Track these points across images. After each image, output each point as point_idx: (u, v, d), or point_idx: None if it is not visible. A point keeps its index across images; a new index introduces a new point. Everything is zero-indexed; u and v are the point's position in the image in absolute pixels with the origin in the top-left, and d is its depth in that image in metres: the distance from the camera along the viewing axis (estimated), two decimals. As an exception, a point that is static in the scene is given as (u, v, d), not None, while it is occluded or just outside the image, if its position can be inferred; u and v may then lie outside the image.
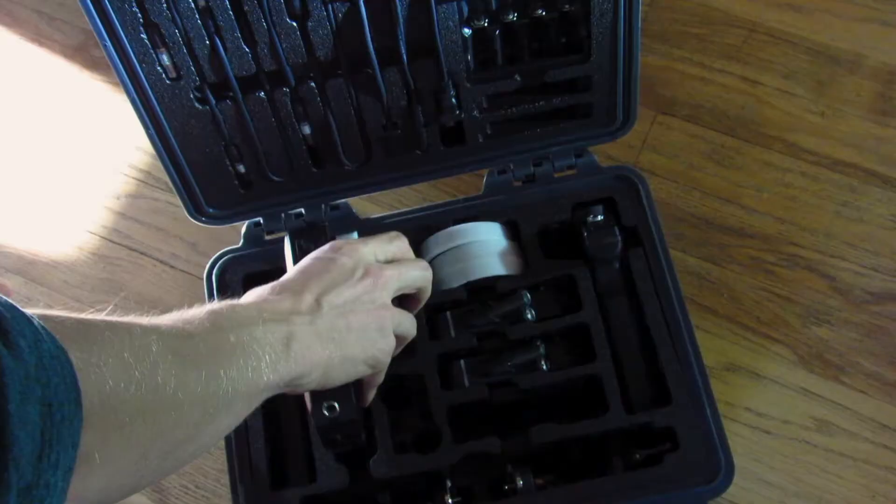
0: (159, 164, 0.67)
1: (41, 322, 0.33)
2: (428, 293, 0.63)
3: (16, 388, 0.29)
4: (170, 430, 0.39)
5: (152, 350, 0.38)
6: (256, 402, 0.46)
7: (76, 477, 0.32)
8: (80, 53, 1.02)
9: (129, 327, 0.39)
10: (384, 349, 0.56)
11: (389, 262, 0.60)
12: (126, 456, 0.37)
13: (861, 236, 0.82)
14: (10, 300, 0.32)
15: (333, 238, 0.62)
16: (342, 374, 0.53)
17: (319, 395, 0.57)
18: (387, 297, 0.57)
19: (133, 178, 0.95)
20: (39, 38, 1.03)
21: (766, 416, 0.76)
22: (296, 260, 0.62)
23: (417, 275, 0.61)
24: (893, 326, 0.78)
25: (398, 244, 0.61)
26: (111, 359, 0.35)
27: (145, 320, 0.42)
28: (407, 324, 0.60)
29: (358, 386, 0.59)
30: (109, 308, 0.87)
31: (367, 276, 0.55)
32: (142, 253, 0.91)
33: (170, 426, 0.39)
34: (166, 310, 0.86)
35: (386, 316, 0.56)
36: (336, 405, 0.58)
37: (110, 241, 0.92)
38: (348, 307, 0.53)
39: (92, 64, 1.01)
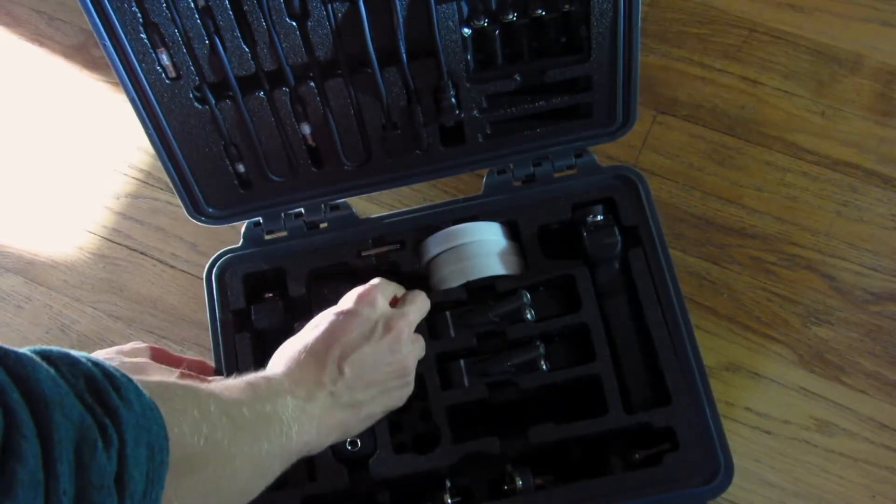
0: (159, 163, 0.67)
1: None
2: None
3: (131, 434, 0.35)
4: (227, 483, 0.44)
5: (211, 411, 0.43)
6: (286, 465, 0.50)
7: None
8: (80, 53, 1.02)
9: (194, 390, 0.44)
10: (403, 396, 0.60)
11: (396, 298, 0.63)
12: (194, 502, 0.42)
13: (861, 236, 0.81)
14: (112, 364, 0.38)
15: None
16: (360, 429, 0.57)
17: None
18: (408, 346, 0.59)
19: (133, 178, 0.95)
20: (39, 38, 1.03)
21: (766, 416, 0.76)
22: None
23: (426, 308, 0.64)
24: (893, 326, 0.78)
25: (395, 284, 0.64)
26: (186, 415, 0.41)
27: (201, 385, 0.47)
28: (421, 353, 0.63)
29: None
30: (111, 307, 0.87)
31: (389, 331, 0.58)
32: (142, 253, 0.91)
33: (227, 479, 0.44)
34: (166, 309, 0.87)
35: (408, 365, 0.59)
36: (358, 441, 0.62)
37: (110, 241, 0.92)
38: (369, 367, 0.56)
39: (92, 64, 1.01)
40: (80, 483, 0.32)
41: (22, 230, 0.94)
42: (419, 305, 0.62)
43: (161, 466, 0.36)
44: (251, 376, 0.52)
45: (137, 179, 0.95)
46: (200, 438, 0.41)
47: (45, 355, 0.35)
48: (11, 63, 1.03)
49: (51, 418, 0.31)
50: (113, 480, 0.33)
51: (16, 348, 0.34)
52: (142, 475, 0.35)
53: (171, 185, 0.68)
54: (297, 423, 0.50)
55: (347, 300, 0.60)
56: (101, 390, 0.35)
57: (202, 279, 0.70)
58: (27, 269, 0.92)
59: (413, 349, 0.60)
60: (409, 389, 0.60)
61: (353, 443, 0.62)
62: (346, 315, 0.58)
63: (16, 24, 1.04)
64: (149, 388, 0.38)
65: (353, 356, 0.55)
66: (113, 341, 0.87)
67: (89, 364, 0.36)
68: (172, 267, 0.90)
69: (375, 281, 0.62)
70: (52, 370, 0.34)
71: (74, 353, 0.36)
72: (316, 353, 0.55)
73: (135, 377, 0.39)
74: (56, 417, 0.32)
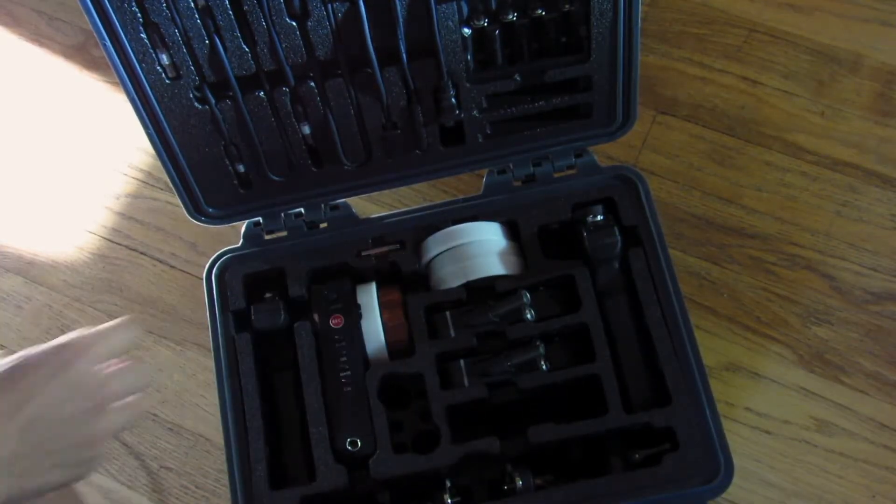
0: (159, 163, 0.67)
1: None
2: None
3: None
4: None
5: None
6: None
7: None
8: (80, 53, 1.02)
9: None
10: (66, 477, 0.49)
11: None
12: None
13: (861, 236, 0.81)
14: None
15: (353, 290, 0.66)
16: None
17: (341, 430, 0.61)
18: (100, 424, 0.49)
19: (133, 177, 0.95)
20: (39, 38, 1.03)
21: (766, 416, 0.76)
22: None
23: (139, 384, 0.53)
24: (893, 326, 0.78)
25: (126, 334, 0.53)
26: None
27: None
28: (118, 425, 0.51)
29: None
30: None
31: (88, 400, 0.48)
32: (142, 253, 0.91)
33: None
34: (166, 310, 0.87)
35: (91, 444, 0.49)
36: (358, 441, 0.62)
37: (110, 241, 0.92)
38: (49, 433, 0.46)
39: (92, 64, 1.01)
40: None
41: (22, 230, 0.94)
42: (126, 380, 0.51)
43: None
44: None
45: (137, 179, 0.95)
46: None
47: None
48: (11, 63, 1.03)
49: None
50: None
51: None
52: None
53: (170, 185, 0.68)
54: None
55: (62, 341, 0.49)
56: None
57: (202, 279, 0.70)
58: (27, 269, 0.92)
59: (103, 433, 0.49)
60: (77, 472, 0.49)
61: (353, 443, 0.62)
62: (51, 365, 0.48)
63: (16, 24, 1.04)
64: None
65: (40, 424, 0.46)
66: (113, 341, 0.87)
67: None
68: (172, 267, 0.90)
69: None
70: None
71: None
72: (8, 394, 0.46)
73: None
74: None
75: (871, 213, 0.82)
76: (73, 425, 0.47)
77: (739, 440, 0.75)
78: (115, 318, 0.86)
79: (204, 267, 0.70)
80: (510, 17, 0.63)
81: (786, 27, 0.91)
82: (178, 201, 0.69)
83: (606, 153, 0.85)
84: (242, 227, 0.72)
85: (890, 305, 0.79)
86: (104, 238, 0.92)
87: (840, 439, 0.74)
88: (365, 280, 0.69)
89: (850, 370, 0.77)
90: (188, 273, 0.89)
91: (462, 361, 0.66)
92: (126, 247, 0.91)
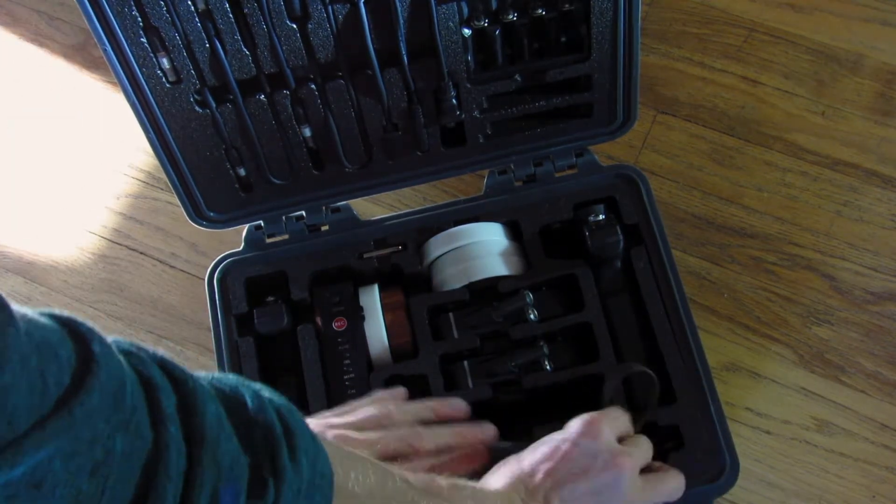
0: (160, 164, 0.66)
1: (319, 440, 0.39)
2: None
3: (289, 500, 0.35)
4: None
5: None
6: None
7: None
8: (79, 53, 1.01)
9: (386, 470, 0.43)
10: None
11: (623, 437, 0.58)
12: None
13: (862, 236, 0.82)
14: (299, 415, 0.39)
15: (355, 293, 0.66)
16: None
17: None
18: (630, 489, 0.53)
19: (133, 177, 0.95)
20: (39, 37, 1.03)
21: (766, 417, 0.76)
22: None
23: (650, 455, 0.58)
24: (894, 326, 0.78)
25: (624, 419, 0.59)
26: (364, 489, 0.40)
27: (396, 470, 0.45)
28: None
29: None
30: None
31: (611, 466, 0.53)
32: (142, 253, 0.91)
33: None
34: (166, 309, 0.87)
35: None
36: None
37: (110, 241, 0.92)
38: (580, 501, 0.52)
39: (92, 64, 1.01)
40: None
41: (22, 230, 0.94)
42: (645, 449, 0.57)
43: None
44: (457, 479, 0.49)
45: (138, 179, 0.94)
46: None
47: (225, 392, 0.35)
48: (11, 63, 1.02)
49: (200, 459, 0.32)
50: None
51: (198, 376, 0.34)
52: None
53: (171, 188, 0.68)
54: None
55: (573, 427, 0.55)
56: (275, 447, 0.35)
57: (202, 279, 0.70)
58: (27, 269, 0.92)
59: (635, 493, 0.54)
60: None
61: None
62: (568, 444, 0.54)
63: (16, 23, 1.04)
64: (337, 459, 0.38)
65: (565, 489, 0.51)
66: (114, 342, 0.87)
67: (273, 416, 0.36)
68: (172, 267, 0.90)
69: (607, 410, 0.58)
70: (221, 409, 0.34)
71: (268, 396, 0.37)
72: (527, 480, 0.52)
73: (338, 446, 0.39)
74: (205, 459, 0.32)
75: (872, 213, 0.82)
76: (594, 488, 0.52)
77: (740, 440, 0.75)
78: (116, 318, 0.87)
79: (204, 267, 0.70)
80: (510, 17, 0.63)
81: (786, 27, 0.90)
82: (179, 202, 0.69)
83: (607, 153, 0.85)
84: (244, 229, 0.72)
85: (890, 305, 0.79)
86: (105, 238, 0.92)
87: (840, 439, 0.75)
88: (367, 282, 0.69)
89: (851, 370, 0.77)
90: (188, 273, 0.89)
91: (466, 362, 0.66)
92: (126, 247, 0.91)
